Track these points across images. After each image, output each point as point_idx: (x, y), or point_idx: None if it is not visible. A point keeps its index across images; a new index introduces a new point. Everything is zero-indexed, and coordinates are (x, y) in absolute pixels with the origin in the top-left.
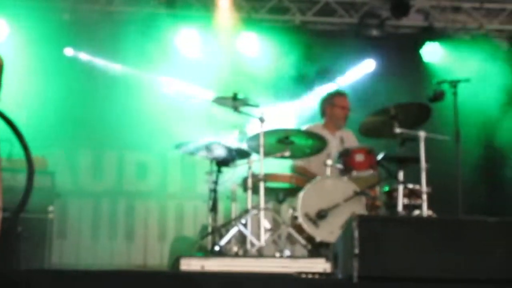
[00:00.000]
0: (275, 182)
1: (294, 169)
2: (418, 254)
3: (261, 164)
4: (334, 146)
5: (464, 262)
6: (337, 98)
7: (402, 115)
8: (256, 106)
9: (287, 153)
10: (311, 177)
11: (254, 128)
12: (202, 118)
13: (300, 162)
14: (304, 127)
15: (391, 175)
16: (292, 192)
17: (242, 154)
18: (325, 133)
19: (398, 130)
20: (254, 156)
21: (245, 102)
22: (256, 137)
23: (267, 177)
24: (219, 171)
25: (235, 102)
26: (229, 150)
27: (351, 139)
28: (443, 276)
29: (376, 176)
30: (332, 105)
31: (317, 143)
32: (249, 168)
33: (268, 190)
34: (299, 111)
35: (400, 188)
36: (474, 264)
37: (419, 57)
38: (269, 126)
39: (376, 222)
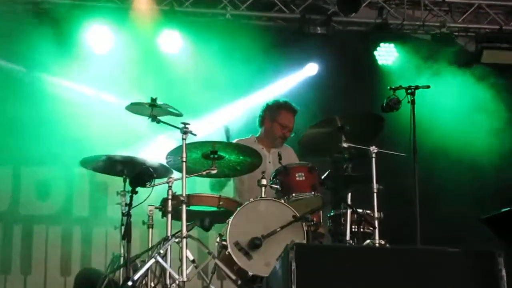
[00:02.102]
0: (199, 205)
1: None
2: None
3: (183, 184)
4: (270, 163)
5: None
6: (282, 112)
7: (350, 127)
8: (179, 115)
9: (214, 171)
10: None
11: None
12: (114, 129)
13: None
14: (234, 141)
15: (337, 197)
16: (221, 216)
17: (161, 171)
18: (259, 149)
19: (345, 144)
20: (175, 174)
21: (165, 110)
22: (177, 151)
23: (190, 199)
24: (133, 191)
25: (154, 109)
26: (146, 166)
27: (290, 156)
28: None
29: (319, 199)
30: (273, 119)
31: (250, 160)
32: (169, 188)
33: (191, 214)
34: (230, 121)
35: (348, 212)
36: None
37: (371, 60)
38: (194, 138)
39: (317, 253)
